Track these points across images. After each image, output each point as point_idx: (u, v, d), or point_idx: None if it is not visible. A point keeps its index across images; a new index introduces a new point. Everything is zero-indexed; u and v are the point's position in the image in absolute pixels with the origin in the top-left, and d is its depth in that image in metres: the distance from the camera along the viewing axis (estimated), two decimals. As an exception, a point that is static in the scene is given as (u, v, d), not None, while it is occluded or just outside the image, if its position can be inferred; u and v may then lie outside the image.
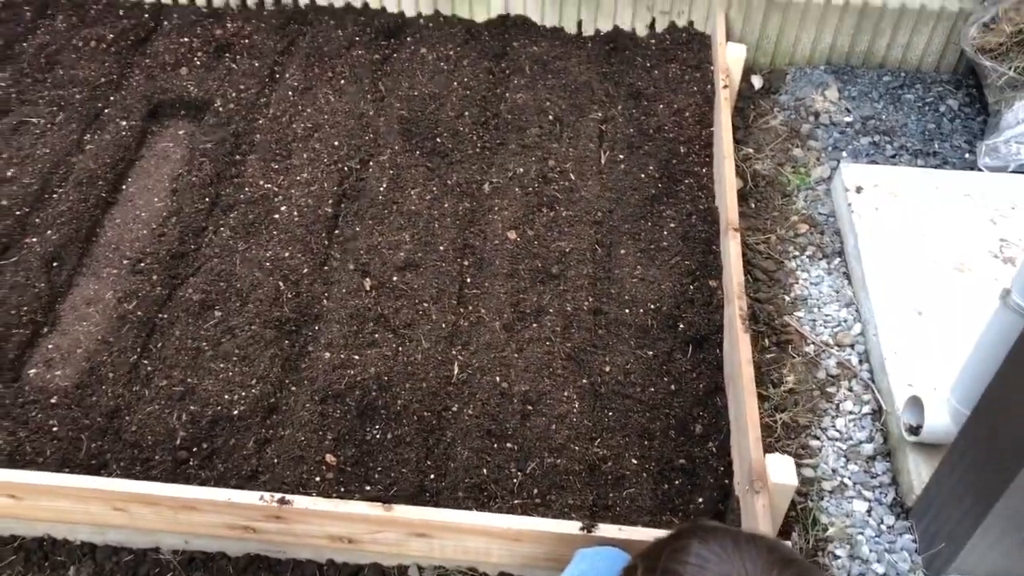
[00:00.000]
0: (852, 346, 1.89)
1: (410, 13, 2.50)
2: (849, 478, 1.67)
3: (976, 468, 1.38)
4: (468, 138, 2.19)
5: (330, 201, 2.02)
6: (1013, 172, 2.16)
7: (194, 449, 1.57)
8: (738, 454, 1.55)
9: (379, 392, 1.67)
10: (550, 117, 2.25)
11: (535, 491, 1.54)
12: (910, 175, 2.16)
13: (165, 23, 2.47)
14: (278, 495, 1.39)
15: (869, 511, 1.63)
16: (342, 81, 2.32)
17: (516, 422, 1.63)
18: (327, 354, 1.73)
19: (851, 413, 1.78)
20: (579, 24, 2.49)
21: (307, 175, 2.08)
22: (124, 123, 2.19)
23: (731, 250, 1.82)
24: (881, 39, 2.46)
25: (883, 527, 1.61)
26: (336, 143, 2.16)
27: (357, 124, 2.21)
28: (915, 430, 1.62)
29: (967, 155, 2.30)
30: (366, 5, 2.50)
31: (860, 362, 1.86)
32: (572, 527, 1.38)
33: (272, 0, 2.51)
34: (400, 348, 1.75)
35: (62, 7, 2.50)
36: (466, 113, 2.25)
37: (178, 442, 1.58)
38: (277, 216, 1.99)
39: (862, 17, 2.42)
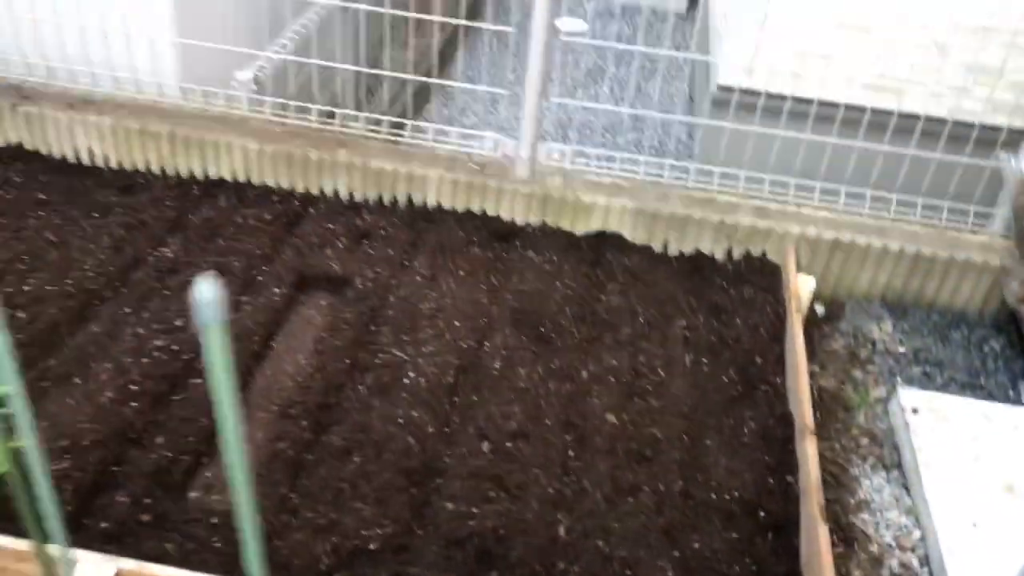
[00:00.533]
0: (913, 549, 2.09)
1: (520, 222, 2.90)
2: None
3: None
4: (568, 330, 2.51)
5: (451, 372, 2.32)
6: (1053, 409, 2.42)
7: (335, 575, 1.78)
8: (818, 631, 1.73)
9: (495, 543, 1.88)
10: (640, 320, 2.58)
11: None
12: (962, 404, 2.43)
13: (312, 210, 2.88)
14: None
15: None
16: (461, 272, 2.68)
17: (616, 583, 1.83)
18: (450, 504, 1.96)
19: (914, 610, 1.95)
20: (665, 244, 2.87)
21: (432, 348, 2.38)
22: (276, 290, 2.53)
23: (808, 451, 2.08)
24: (931, 283, 2.81)
25: None
26: (456, 323, 2.48)
27: (474, 309, 2.54)
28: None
29: (1010, 392, 2.57)
30: (484, 212, 2.91)
31: (920, 565, 2.06)
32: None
33: (404, 200, 2.92)
34: (512, 506, 1.98)
35: (225, 189, 2.92)
36: (567, 309, 2.58)
37: (322, 567, 1.79)
38: (407, 380, 2.28)
39: (914, 263, 2.78)
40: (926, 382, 2.60)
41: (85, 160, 2.98)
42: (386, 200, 2.93)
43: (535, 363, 2.38)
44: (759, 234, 2.81)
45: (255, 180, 2.95)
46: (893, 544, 2.11)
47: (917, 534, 2.13)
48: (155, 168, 2.97)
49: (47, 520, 1.29)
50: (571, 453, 2.15)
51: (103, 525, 1.83)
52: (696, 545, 1.95)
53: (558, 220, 2.88)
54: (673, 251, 2.87)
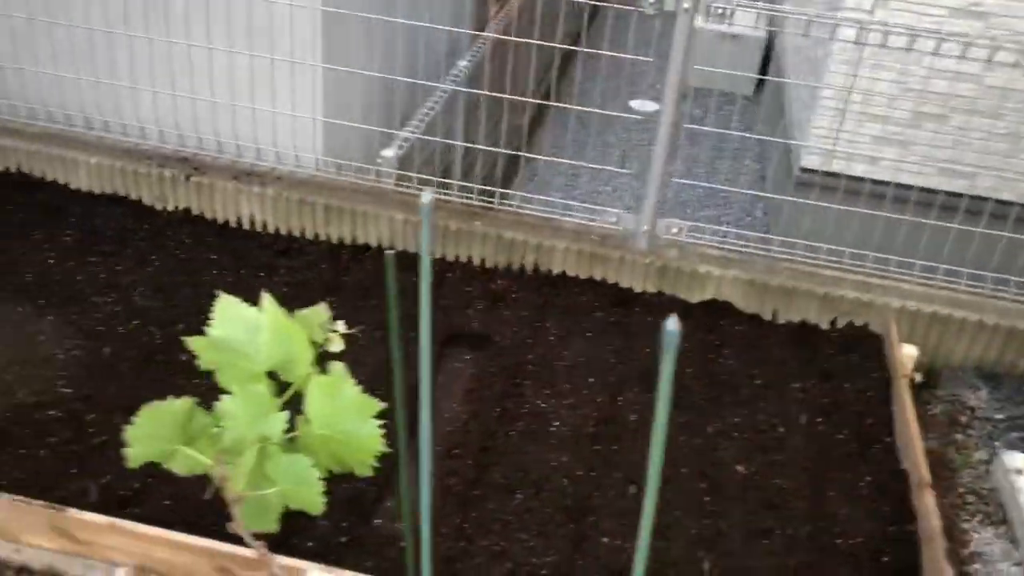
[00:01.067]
0: (1025, 598, 2.27)
1: (638, 289, 3.17)
2: None
3: None
4: (692, 389, 2.75)
5: (591, 423, 2.57)
6: None
7: (514, 595, 2.02)
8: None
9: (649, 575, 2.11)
10: (757, 381, 2.81)
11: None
12: (1061, 466, 2.61)
13: (449, 275, 3.19)
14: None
15: None
16: (589, 334, 2.95)
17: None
18: (605, 539, 2.19)
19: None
20: (774, 313, 3.12)
21: (571, 401, 2.65)
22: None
23: (928, 502, 2.28)
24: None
25: None
26: (591, 379, 2.74)
27: (604, 367, 2.80)
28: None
29: (1105, 457, 2.75)
30: (604, 280, 3.19)
31: (1033, 612, 2.23)
32: None
33: (531, 268, 3.21)
34: (660, 543, 2.20)
35: (372, 255, 3.25)
36: (687, 370, 2.83)
37: (501, 588, 2.03)
38: (552, 429, 2.53)
39: (1009, 336, 3.00)
40: (1023, 446, 2.78)
41: (246, 225, 3.33)
42: (514, 267, 3.23)
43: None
44: (862, 306, 3.05)
45: (399, 247, 3.27)
46: (1006, 592, 2.29)
47: (1028, 584, 2.31)
48: (308, 234, 3.30)
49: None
50: (707, 499, 2.38)
51: (309, 544, 2.09)
52: (828, 584, 2.16)
53: (674, 289, 3.15)
54: (780, 320, 3.12)
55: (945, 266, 3.10)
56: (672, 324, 0.80)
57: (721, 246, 3.18)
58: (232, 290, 2.99)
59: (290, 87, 3.25)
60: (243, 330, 1.33)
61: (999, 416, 2.91)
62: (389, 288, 0.92)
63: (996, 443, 2.79)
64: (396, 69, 3.32)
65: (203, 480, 1.39)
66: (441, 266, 3.22)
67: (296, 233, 3.32)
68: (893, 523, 2.34)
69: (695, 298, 3.15)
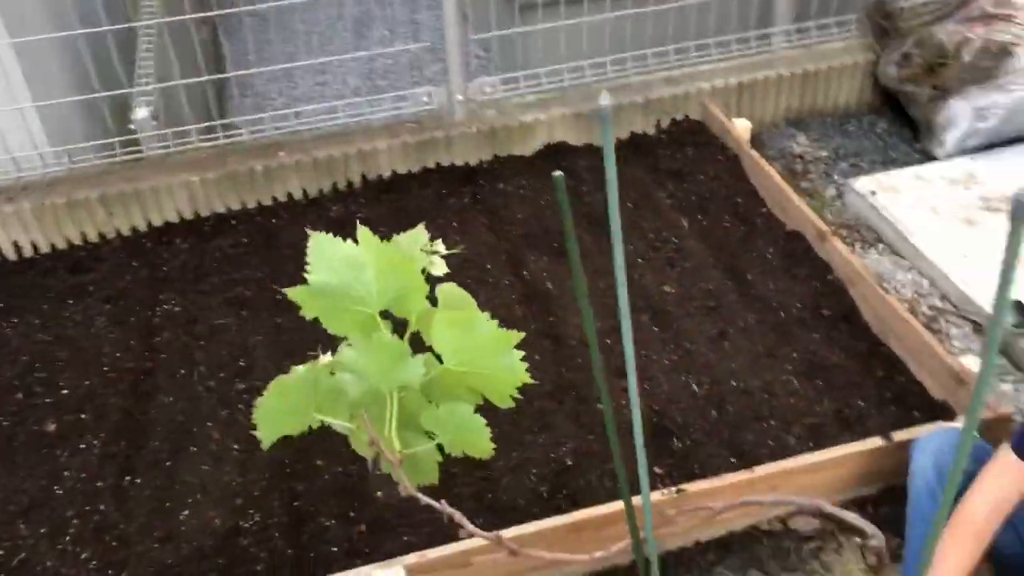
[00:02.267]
0: (930, 294, 2.53)
1: (474, 162, 3.02)
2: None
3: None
4: (578, 237, 2.71)
5: (517, 296, 2.47)
6: (968, 153, 2.95)
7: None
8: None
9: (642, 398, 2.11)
10: (629, 204, 2.82)
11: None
12: (897, 174, 2.90)
13: (276, 221, 2.85)
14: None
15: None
16: (454, 224, 2.79)
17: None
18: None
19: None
20: (604, 137, 3.11)
21: (491, 281, 2.51)
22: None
23: (835, 247, 2.45)
24: (819, 94, 3.26)
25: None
26: (488, 267, 2.61)
27: (491, 249, 2.68)
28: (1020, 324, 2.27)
29: (914, 155, 3.08)
30: (439, 165, 3.00)
31: (942, 300, 2.50)
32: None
33: (360, 180, 2.95)
34: (645, 384, 2.20)
35: (180, 229, 2.81)
36: (553, 217, 2.77)
37: (544, 496, 1.94)
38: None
39: (804, 81, 3.21)
40: (856, 171, 3.05)
41: (11, 256, 2.74)
42: (341, 186, 2.95)
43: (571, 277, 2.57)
44: (679, 100, 3.12)
45: (203, 212, 2.86)
46: (915, 294, 2.54)
47: (926, 283, 2.58)
48: (93, 237, 2.79)
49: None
50: (656, 328, 2.39)
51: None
52: (794, 354, 2.28)
53: (508, 148, 3.03)
54: (623, 135, 3.12)
55: (729, 37, 3.22)
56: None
57: (536, 90, 3.08)
58: (63, 335, 2.51)
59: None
60: (345, 270, 1.13)
61: (823, 154, 3.16)
62: (565, 210, 0.78)
63: (835, 177, 3.04)
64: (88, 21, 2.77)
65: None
66: (262, 214, 2.87)
67: (78, 241, 2.79)
68: (815, 279, 2.49)
69: (530, 150, 3.06)
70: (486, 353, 1.10)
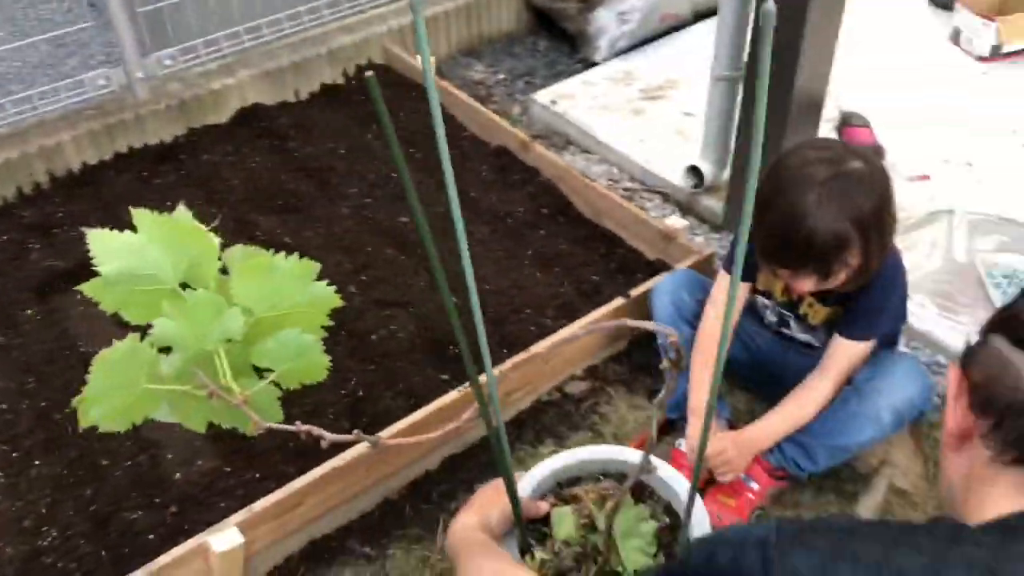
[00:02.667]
0: (631, 179, 2.89)
1: (169, 139, 2.91)
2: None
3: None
4: (303, 193, 2.74)
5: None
6: (621, 55, 3.35)
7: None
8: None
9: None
10: (341, 152, 2.89)
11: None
12: (572, 83, 3.24)
13: (-38, 238, 2.56)
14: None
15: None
16: (168, 204, 2.69)
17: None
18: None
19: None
20: (296, 93, 3.13)
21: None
22: None
23: (535, 155, 2.72)
24: (485, 24, 3.51)
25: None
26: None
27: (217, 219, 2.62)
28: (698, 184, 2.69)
29: (577, 65, 3.45)
30: (132, 148, 2.85)
31: (632, 180, 2.87)
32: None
33: (49, 180, 2.73)
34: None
35: None
36: (281, 178, 2.78)
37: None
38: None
39: (468, 13, 3.44)
40: (531, 87, 3.35)
41: None
42: (28, 189, 2.71)
43: (307, 227, 2.61)
44: (359, 47, 3.21)
45: None
46: (610, 181, 2.89)
47: (615, 170, 2.94)
48: None
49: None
50: (404, 257, 2.51)
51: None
52: (529, 251, 2.52)
53: (204, 119, 2.95)
54: (303, 95, 3.15)
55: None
56: None
57: (217, 56, 3.01)
58: None
59: None
60: (133, 254, 1.13)
61: (500, 76, 3.43)
62: (381, 110, 0.85)
63: (516, 96, 3.32)
64: None
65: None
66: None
67: None
68: (529, 184, 2.74)
69: (225, 117, 3.00)
70: (292, 290, 1.14)
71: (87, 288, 1.06)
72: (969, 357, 0.85)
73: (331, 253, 2.50)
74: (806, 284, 1.65)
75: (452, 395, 1.97)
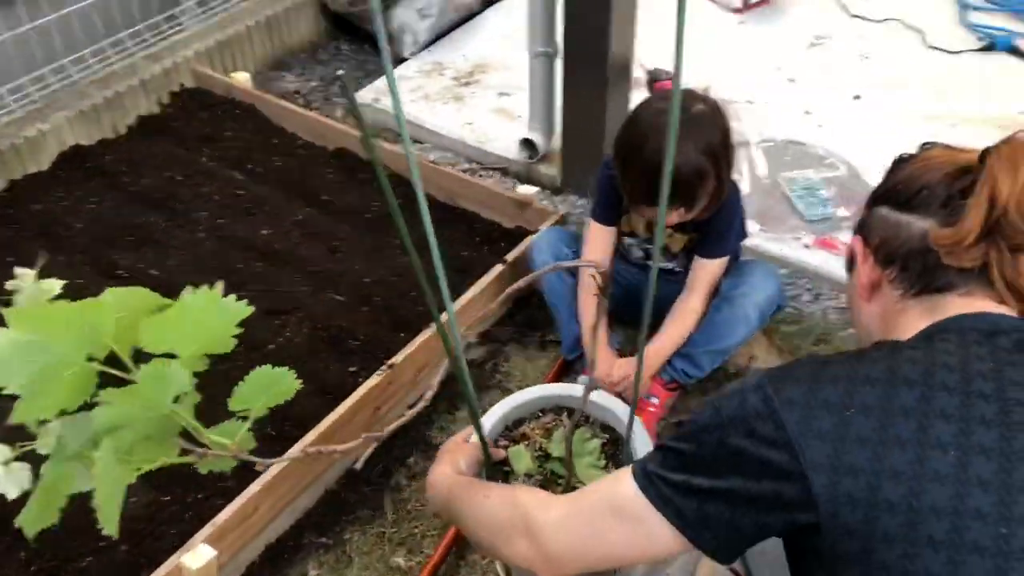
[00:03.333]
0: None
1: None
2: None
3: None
4: (179, 201, 2.72)
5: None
6: (427, 47, 3.52)
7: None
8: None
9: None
10: (178, 178, 2.88)
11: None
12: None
13: None
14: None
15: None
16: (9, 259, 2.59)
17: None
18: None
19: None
20: (114, 128, 3.07)
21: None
22: None
23: (379, 150, 2.85)
24: (287, 36, 3.57)
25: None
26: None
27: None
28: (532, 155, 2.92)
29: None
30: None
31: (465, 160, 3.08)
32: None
33: None
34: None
35: None
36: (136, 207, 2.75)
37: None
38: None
39: (270, 27, 3.49)
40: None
41: None
42: None
43: (169, 256, 2.60)
44: (169, 73, 3.18)
45: None
46: (450, 165, 3.07)
47: (450, 154, 3.12)
48: None
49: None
50: (274, 267, 2.57)
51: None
52: (395, 242, 2.66)
53: (23, 170, 2.84)
54: (123, 130, 3.09)
55: (179, 8, 3.34)
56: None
57: (25, 102, 2.89)
58: None
59: None
60: (23, 356, 1.01)
61: (313, 84, 3.51)
62: (354, 106, 0.86)
63: (334, 100, 3.42)
64: None
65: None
66: None
67: None
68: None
69: (47, 163, 2.90)
70: (202, 320, 1.06)
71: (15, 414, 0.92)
72: (864, 227, 1.12)
73: (203, 277, 2.46)
74: (673, 217, 1.92)
75: (373, 380, 2.09)
